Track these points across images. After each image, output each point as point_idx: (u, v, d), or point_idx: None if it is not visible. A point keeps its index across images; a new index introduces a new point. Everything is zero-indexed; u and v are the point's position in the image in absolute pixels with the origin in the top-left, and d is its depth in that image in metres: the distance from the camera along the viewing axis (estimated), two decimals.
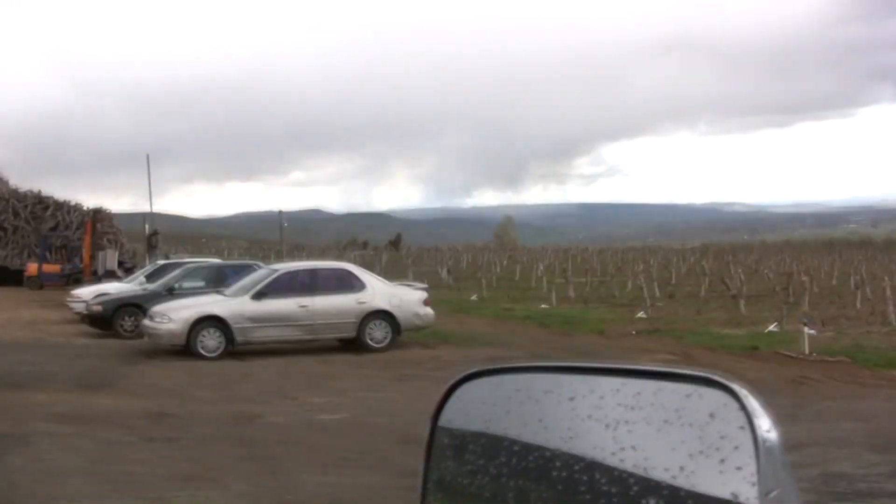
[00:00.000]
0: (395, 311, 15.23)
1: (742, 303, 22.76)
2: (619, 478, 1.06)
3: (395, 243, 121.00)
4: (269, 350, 15.05)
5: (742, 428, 0.97)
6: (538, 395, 1.24)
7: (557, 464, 1.14)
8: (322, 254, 57.19)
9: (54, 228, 39.46)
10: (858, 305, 23.38)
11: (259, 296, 14.96)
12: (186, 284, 18.65)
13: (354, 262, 24.67)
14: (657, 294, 28.70)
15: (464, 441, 1.32)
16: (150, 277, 21.28)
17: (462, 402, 1.36)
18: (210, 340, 14.65)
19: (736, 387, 1.01)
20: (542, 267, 35.63)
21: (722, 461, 0.98)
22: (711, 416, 1.01)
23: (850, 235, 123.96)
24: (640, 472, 1.04)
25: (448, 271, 36.43)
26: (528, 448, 1.20)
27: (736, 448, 0.97)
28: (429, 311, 15.65)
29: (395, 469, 7.81)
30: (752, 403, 0.99)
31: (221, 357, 14.54)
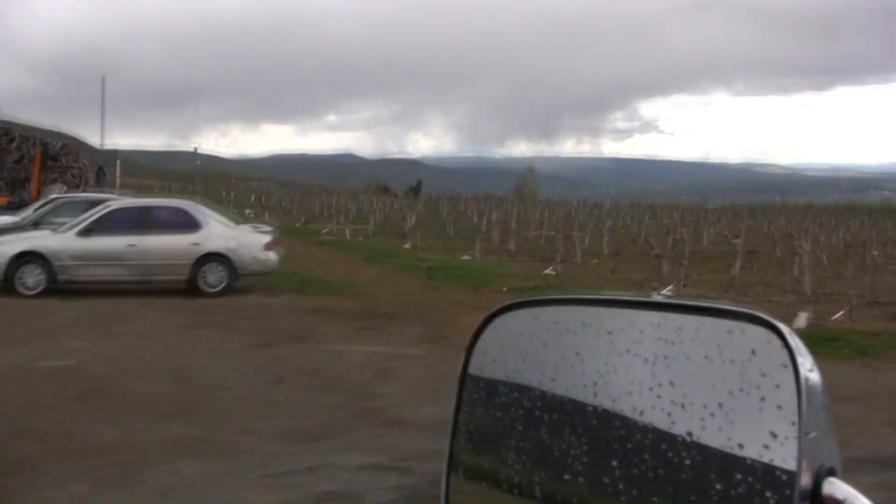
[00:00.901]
0: (231, 255, 14.25)
1: (665, 264, 21.46)
2: (656, 413, 1.04)
3: (416, 190, 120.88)
4: (101, 289, 14.13)
5: (784, 366, 0.95)
6: (576, 328, 1.18)
7: (593, 397, 1.12)
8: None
9: (19, 161, 39.02)
10: (795, 273, 21.96)
11: (85, 232, 14.05)
12: (59, 219, 17.80)
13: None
14: (605, 251, 27.59)
15: (498, 372, 1.26)
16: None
17: (498, 334, 1.27)
18: (30, 277, 13.83)
19: (779, 324, 0.96)
20: (493, 217, 34.30)
21: (762, 399, 0.96)
22: (753, 353, 0.98)
23: (883, 202, 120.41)
24: (677, 407, 1.02)
25: (404, 218, 35.33)
26: (563, 381, 1.17)
27: (777, 386, 0.95)
28: (270, 255, 14.64)
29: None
30: (795, 342, 0.94)
31: (41, 295, 13.72)
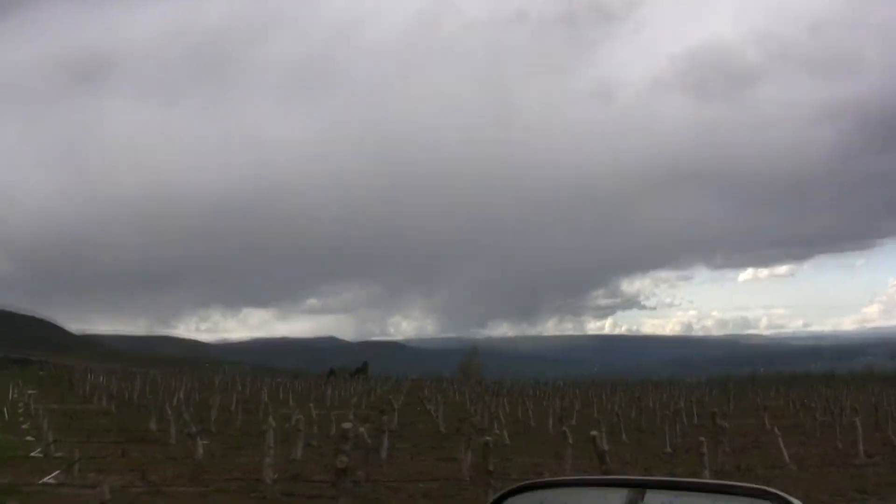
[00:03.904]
0: None
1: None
2: None
3: (363, 371, 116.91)
4: None
5: None
6: None
7: None
8: None
9: None
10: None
11: None
12: None
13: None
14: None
15: None
16: None
17: None
18: None
19: (793, 500, 0.96)
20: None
21: None
22: None
23: (864, 370, 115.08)
24: None
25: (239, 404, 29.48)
26: None
27: None
28: None
29: None
30: None
31: None
